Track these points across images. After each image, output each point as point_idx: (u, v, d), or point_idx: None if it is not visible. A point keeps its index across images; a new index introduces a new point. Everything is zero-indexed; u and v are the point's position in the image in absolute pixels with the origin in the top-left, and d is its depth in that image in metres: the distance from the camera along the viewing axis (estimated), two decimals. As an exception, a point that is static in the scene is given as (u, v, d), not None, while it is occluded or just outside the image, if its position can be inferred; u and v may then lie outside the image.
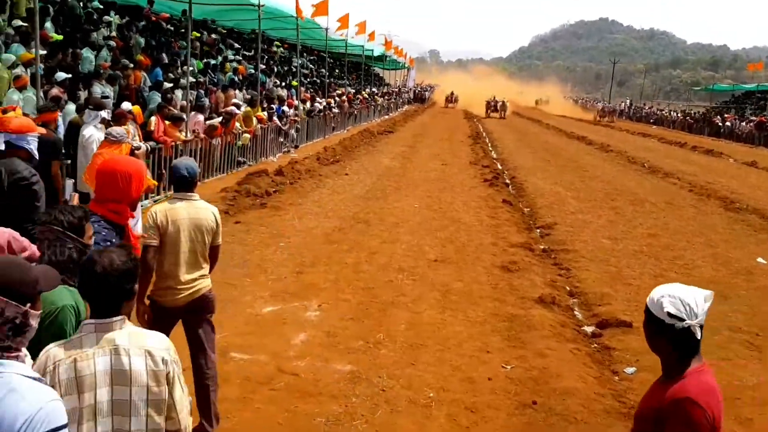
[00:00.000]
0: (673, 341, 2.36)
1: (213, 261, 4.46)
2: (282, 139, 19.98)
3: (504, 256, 9.61)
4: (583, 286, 8.53)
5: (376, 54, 40.95)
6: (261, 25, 20.40)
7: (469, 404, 5.20)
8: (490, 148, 26.57)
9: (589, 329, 7.07)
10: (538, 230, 11.84)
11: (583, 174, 19.79)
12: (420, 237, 10.49)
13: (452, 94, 62.61)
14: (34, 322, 2.10)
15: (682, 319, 2.30)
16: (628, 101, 72.19)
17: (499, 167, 20.43)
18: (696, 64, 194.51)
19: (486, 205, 13.61)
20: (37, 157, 5.05)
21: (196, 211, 4.24)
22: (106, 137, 7.06)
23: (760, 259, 10.11)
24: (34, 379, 2.04)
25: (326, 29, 26.74)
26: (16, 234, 2.68)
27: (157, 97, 13.40)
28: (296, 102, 22.10)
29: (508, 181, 17.52)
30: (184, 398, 2.53)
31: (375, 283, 8.01)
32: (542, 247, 10.57)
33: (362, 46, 34.71)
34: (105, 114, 8.05)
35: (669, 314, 2.30)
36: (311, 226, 10.85)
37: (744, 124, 41.77)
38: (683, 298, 2.32)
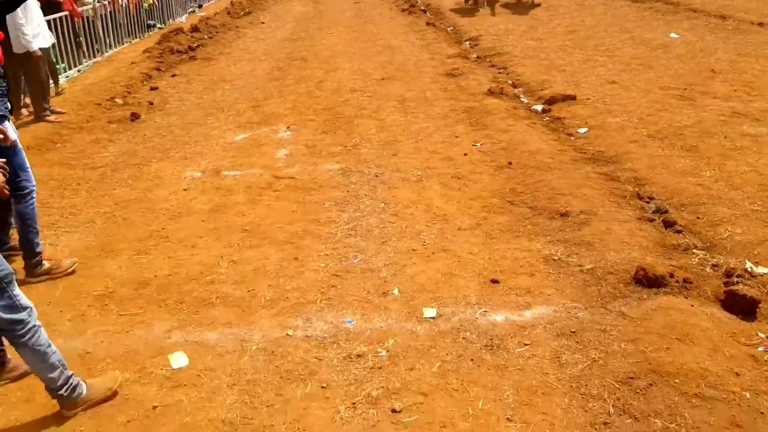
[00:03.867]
0: None
1: None
2: (185, -1, 19.05)
3: (444, 66, 10.03)
4: (523, 78, 9.11)
5: None
6: None
7: (455, 174, 5.78)
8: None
9: (538, 107, 7.71)
10: (467, 42, 12.23)
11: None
12: (360, 63, 10.70)
13: None
14: None
15: None
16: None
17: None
18: None
19: (411, 30, 13.80)
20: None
21: None
22: None
23: (672, 35, 10.93)
24: None
25: None
26: None
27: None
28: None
29: (423, 8, 17.54)
30: None
31: (333, 104, 8.32)
32: (475, 55, 11.01)
33: None
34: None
35: None
36: (249, 69, 10.85)
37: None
38: None
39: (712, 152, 5.83)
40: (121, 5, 13.64)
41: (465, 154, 6.24)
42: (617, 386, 2.97)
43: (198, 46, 13.15)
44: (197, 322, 3.67)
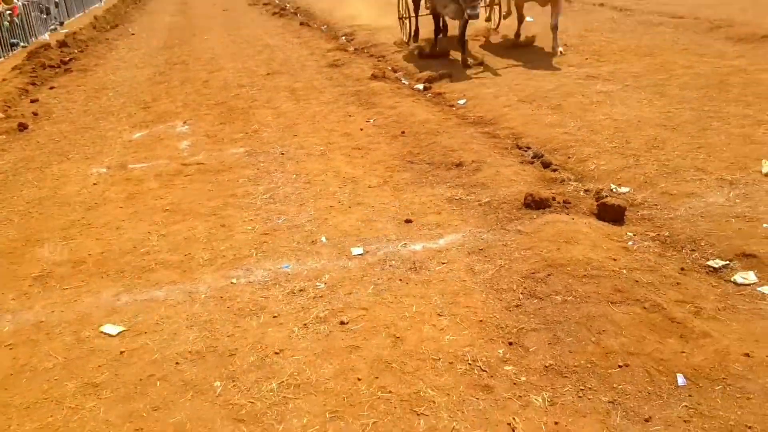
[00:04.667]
0: None
1: None
2: (45, 16, 18.40)
3: (325, 59, 10.52)
4: (401, 65, 9.78)
5: None
6: None
7: (355, 146, 6.28)
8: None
9: (420, 86, 8.37)
10: (343, 37, 12.78)
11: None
12: (243, 62, 10.98)
13: None
14: None
15: None
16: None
17: (277, 2, 20.64)
18: None
19: (286, 31, 14.20)
20: None
21: None
22: None
23: (528, 18, 12.00)
24: None
25: None
26: None
27: None
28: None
29: (293, 11, 17.96)
30: None
31: (225, 99, 8.58)
32: (353, 48, 11.58)
33: None
34: None
35: None
36: (129, 76, 10.83)
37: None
38: None
39: (573, 108, 6.67)
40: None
41: (361, 129, 6.75)
42: (522, 280, 3.57)
43: (71, 60, 12.87)
44: (142, 285, 3.93)
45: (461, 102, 7.48)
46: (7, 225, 5.03)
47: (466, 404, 2.74)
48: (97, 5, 25.77)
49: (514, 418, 2.64)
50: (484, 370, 2.92)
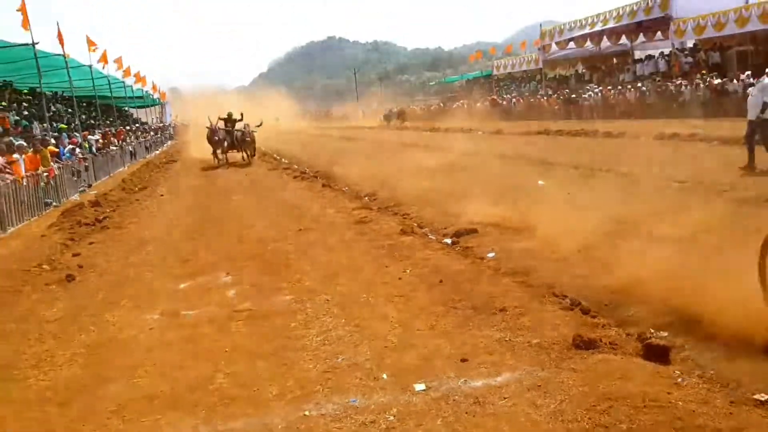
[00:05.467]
0: None
1: None
2: (76, 179, 19.55)
3: (352, 216, 11.17)
4: (426, 221, 10.39)
5: (135, 93, 40.20)
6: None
7: (396, 294, 6.63)
8: (278, 157, 27.96)
9: (448, 240, 8.89)
10: (366, 198, 13.57)
11: (378, 157, 21.91)
12: (273, 219, 11.63)
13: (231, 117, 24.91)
14: None
15: None
16: (374, 105, 77.78)
17: (296, 167, 21.93)
18: (420, 67, 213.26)
19: (310, 191, 15.08)
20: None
21: None
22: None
23: (540, 182, 12.87)
24: None
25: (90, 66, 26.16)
26: None
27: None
28: (78, 140, 21.60)
29: (313, 174, 19.08)
30: None
31: (262, 252, 9.07)
32: (377, 207, 12.30)
33: (122, 82, 34.07)
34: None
35: None
36: (165, 232, 11.42)
37: (479, 105, 48.12)
38: None
39: (605, 258, 7.08)
40: (23, 183, 13.97)
41: (399, 278, 7.14)
42: (585, 412, 3.78)
43: (105, 218, 13.58)
44: (218, 417, 4.11)
45: (490, 255, 7.94)
46: (73, 365, 5.27)
47: None
48: (120, 169, 27.34)
49: None
50: (566, 494, 3.07)
